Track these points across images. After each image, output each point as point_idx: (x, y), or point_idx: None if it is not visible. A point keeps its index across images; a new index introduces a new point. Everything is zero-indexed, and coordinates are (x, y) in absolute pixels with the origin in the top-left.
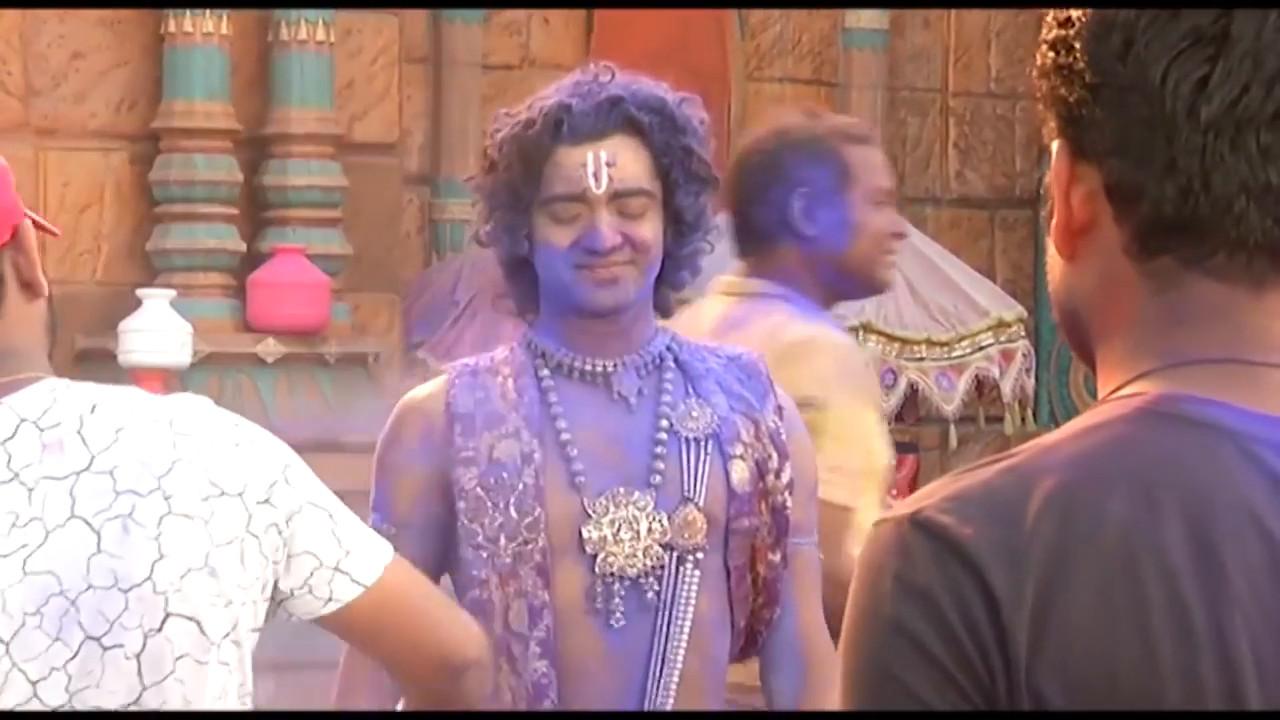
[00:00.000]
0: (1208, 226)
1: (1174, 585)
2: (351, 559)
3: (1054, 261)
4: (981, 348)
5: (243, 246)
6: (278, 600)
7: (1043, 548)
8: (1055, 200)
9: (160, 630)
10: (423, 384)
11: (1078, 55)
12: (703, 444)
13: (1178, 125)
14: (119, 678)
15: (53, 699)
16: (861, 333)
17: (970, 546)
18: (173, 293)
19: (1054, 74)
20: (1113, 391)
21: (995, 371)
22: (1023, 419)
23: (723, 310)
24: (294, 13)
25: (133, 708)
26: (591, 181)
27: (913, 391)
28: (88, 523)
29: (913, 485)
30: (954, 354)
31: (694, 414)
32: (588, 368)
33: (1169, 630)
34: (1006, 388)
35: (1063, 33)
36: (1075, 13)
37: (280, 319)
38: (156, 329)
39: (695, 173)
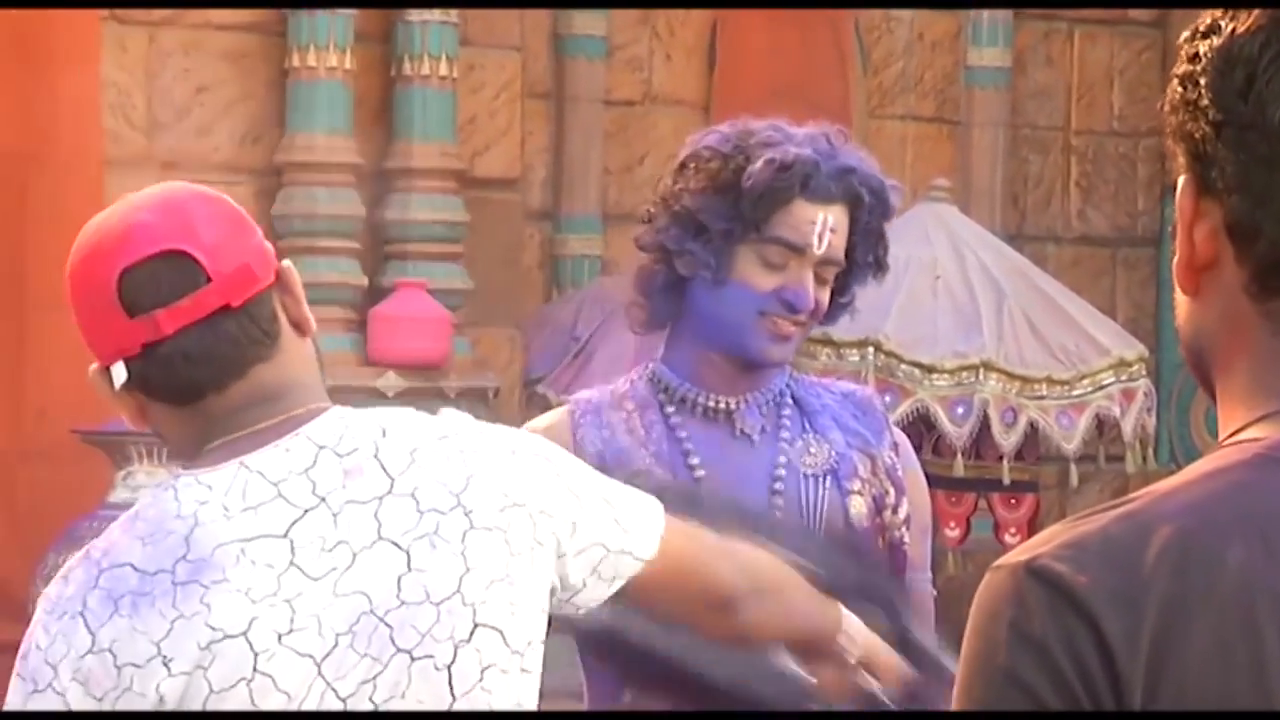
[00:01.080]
0: None
1: None
2: (631, 537)
3: (1180, 297)
4: (1102, 386)
5: (364, 280)
6: (566, 596)
7: (1159, 596)
8: (1179, 235)
9: (469, 641)
10: (541, 416)
11: (1203, 91)
12: (821, 480)
13: None
14: (428, 688)
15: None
16: (982, 370)
17: (1085, 594)
18: None
19: (1182, 109)
20: (1233, 434)
21: (1116, 410)
22: (1144, 458)
23: None
24: (417, 47)
25: None
26: (815, 240)
27: (1033, 430)
28: (395, 543)
29: (1032, 523)
30: (1075, 392)
31: (812, 449)
32: (711, 404)
33: None
34: (1127, 427)
35: (1190, 68)
36: (1203, 47)
37: (401, 353)
38: None
39: (876, 260)
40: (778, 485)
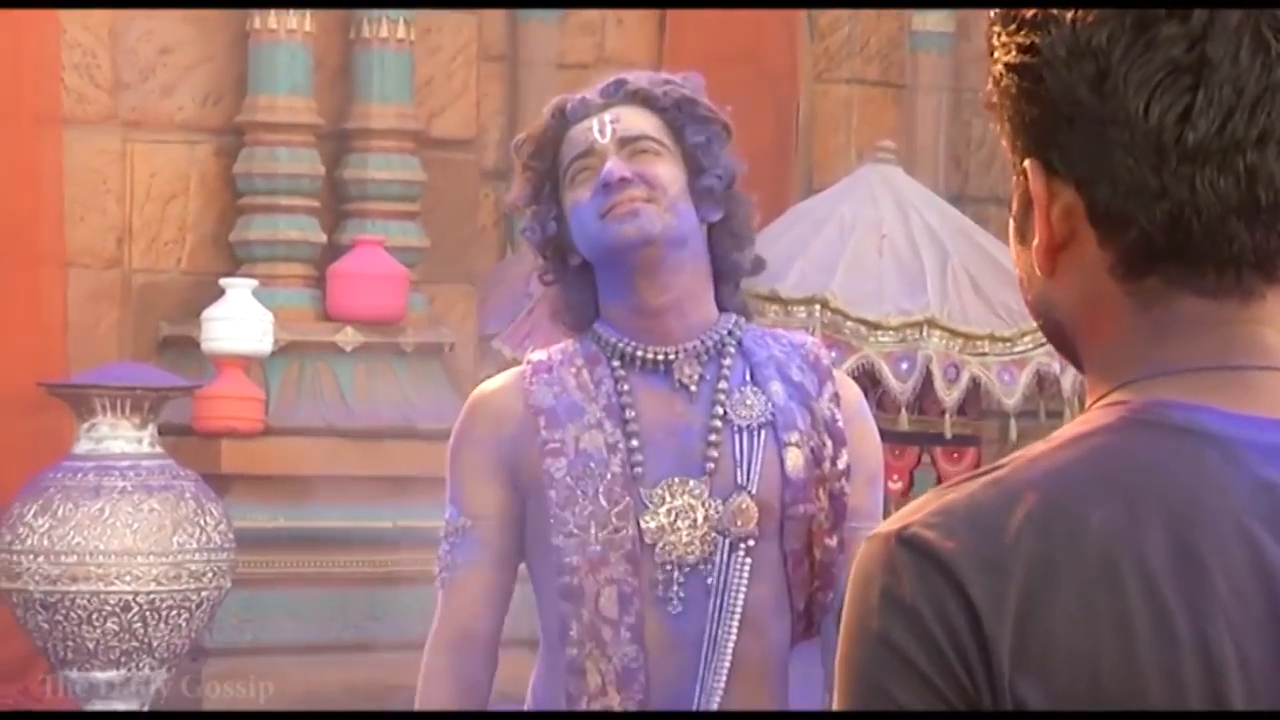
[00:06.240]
0: (1201, 249)
1: (1155, 590)
2: None
3: (1029, 275)
4: (1043, 343)
5: (323, 238)
6: None
7: (1024, 558)
8: (1037, 220)
9: None
10: (493, 377)
11: (1047, 84)
12: (756, 432)
13: (1165, 155)
14: None
15: None
16: (926, 328)
17: (952, 560)
18: (255, 282)
19: (1021, 99)
20: (1100, 398)
21: (1056, 367)
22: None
23: None
24: (375, 11)
25: None
26: (597, 135)
27: (975, 386)
28: None
29: None
30: (1016, 349)
31: (748, 401)
32: (650, 356)
33: (1151, 634)
34: (1066, 383)
35: (1025, 59)
36: (1038, 39)
37: (359, 309)
38: (239, 317)
39: (701, 116)
40: (713, 437)
